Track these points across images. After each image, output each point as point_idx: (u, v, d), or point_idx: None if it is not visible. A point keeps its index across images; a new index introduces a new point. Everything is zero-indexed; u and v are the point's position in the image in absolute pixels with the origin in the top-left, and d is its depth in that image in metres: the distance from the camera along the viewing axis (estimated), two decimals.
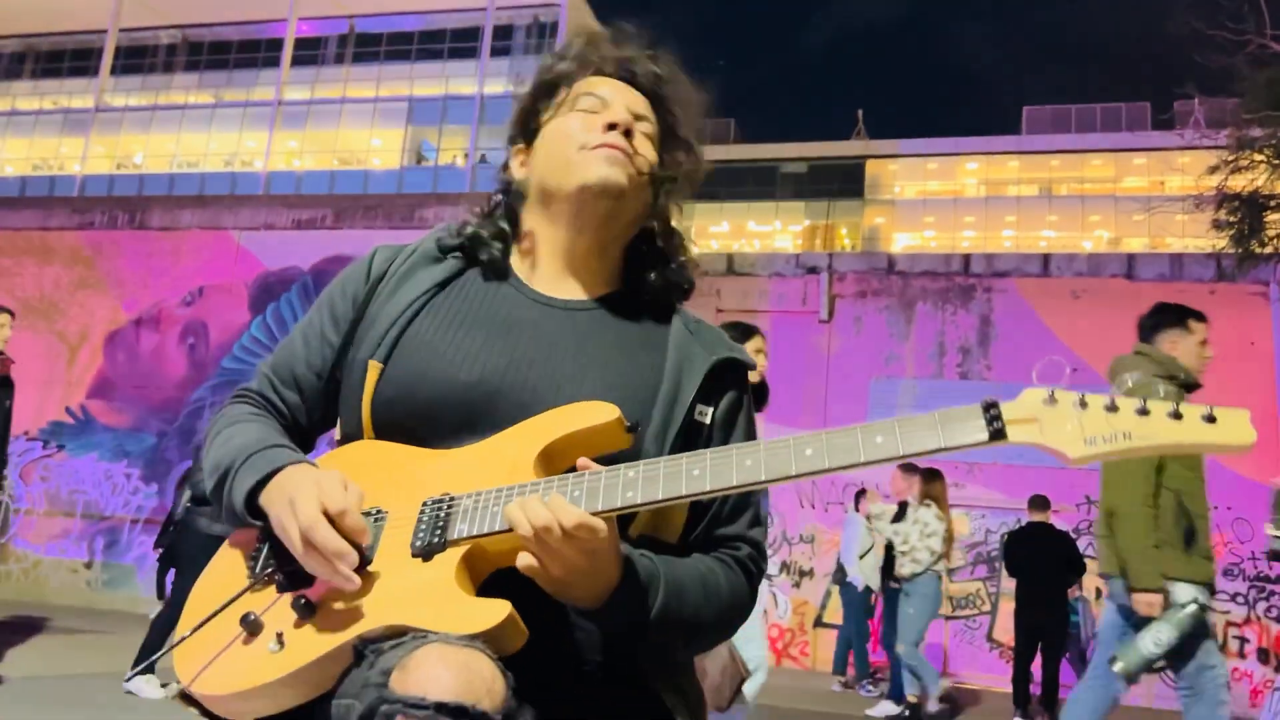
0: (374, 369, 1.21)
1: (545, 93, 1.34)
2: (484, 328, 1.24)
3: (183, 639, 1.09)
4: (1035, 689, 8.43)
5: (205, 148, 31.05)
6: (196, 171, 30.43)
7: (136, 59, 32.47)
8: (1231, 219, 9.56)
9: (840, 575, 9.71)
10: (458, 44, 29.12)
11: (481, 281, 1.30)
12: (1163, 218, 11.09)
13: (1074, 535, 11.17)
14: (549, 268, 1.30)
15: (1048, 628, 8.26)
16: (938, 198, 34.36)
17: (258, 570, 1.11)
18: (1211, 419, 0.95)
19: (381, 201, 15.28)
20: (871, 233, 34.56)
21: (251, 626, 1.05)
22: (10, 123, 32.56)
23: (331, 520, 1.03)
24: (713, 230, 35.38)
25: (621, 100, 1.30)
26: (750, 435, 1.31)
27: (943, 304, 13.06)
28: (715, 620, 1.18)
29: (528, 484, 1.06)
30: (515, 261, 1.33)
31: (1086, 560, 10.91)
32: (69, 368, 15.08)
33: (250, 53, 31.88)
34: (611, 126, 1.26)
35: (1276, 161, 9.27)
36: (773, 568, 12.53)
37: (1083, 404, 0.98)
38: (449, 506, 1.08)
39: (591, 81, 1.32)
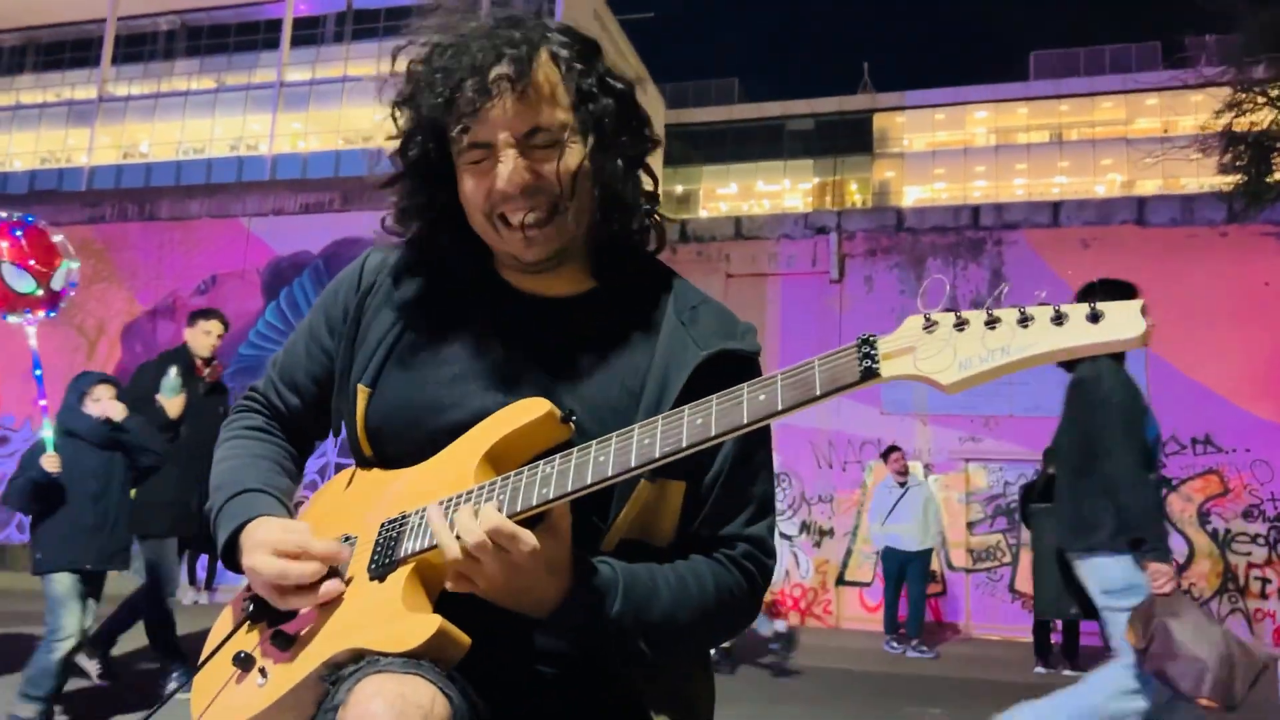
0: (363, 394, 1.23)
1: (428, 134, 1.19)
2: (468, 341, 1.23)
3: (191, 678, 1.21)
4: (1056, 638, 8.52)
5: (210, 133, 31.10)
6: (203, 158, 30.50)
7: (137, 47, 32.45)
8: (1239, 162, 9.45)
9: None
10: None
11: (465, 285, 1.27)
12: (1175, 157, 10.97)
13: None
14: (522, 270, 1.25)
15: (1066, 578, 8.29)
16: (947, 149, 34.06)
17: (247, 610, 1.19)
18: (1096, 317, 0.87)
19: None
20: (882, 187, 34.34)
21: (243, 664, 1.14)
22: (16, 117, 32.67)
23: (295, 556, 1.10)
24: (720, 192, 35.24)
25: (505, 130, 1.14)
26: (756, 436, 1.19)
27: (953, 259, 13.01)
28: (698, 622, 1.14)
29: (462, 493, 1.08)
30: (496, 257, 1.27)
31: None
32: (88, 360, 15.23)
33: (249, 35, 31.80)
34: (506, 197, 1.15)
35: None
36: (793, 528, 12.63)
37: (960, 325, 0.92)
38: (400, 526, 1.11)
39: (467, 127, 1.15)
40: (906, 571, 9.19)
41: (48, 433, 4.26)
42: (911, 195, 33.50)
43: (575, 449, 1.05)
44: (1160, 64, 27.51)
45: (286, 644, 1.11)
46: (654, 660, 1.14)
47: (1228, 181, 9.91)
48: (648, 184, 1.26)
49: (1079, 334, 0.88)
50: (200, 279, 14.73)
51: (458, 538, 1.02)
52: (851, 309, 13.08)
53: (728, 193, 35.39)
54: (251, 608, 1.18)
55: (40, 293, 4.47)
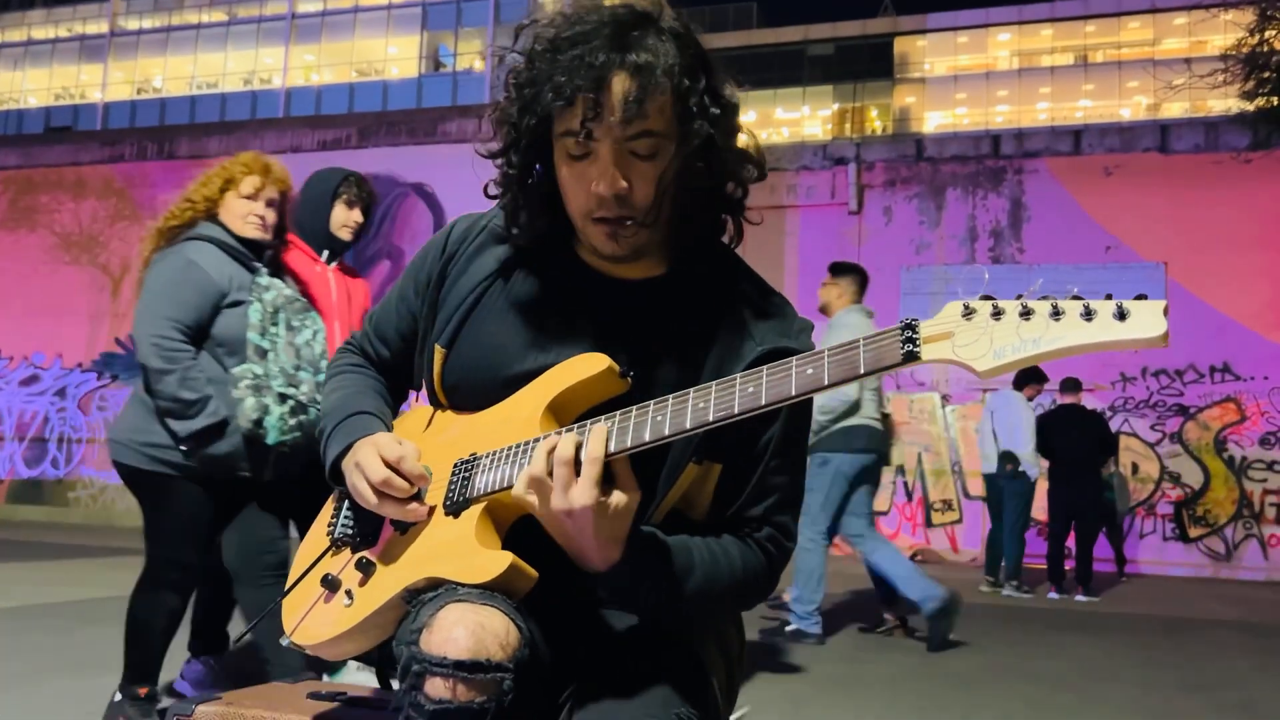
0: (439, 354, 1.34)
1: (534, 123, 1.23)
2: (539, 310, 1.31)
3: (283, 596, 1.33)
4: (1070, 564, 8.68)
5: (223, 67, 30.88)
6: (217, 92, 30.34)
7: None
8: (1263, 89, 9.26)
9: (1003, 465, 8.21)
10: None
11: (542, 259, 1.34)
12: (1199, 85, 10.78)
13: (1108, 414, 11.27)
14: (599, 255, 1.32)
15: (1081, 506, 8.43)
16: (969, 73, 33.36)
17: (335, 534, 1.32)
18: (1123, 315, 0.93)
19: (403, 117, 15.24)
20: (902, 113, 33.80)
21: (330, 585, 1.27)
22: (28, 53, 32.51)
23: (393, 467, 1.23)
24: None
25: (607, 134, 1.18)
26: (795, 430, 1.28)
27: (973, 188, 12.90)
28: (723, 596, 1.25)
29: (530, 440, 1.18)
30: (577, 235, 1.33)
31: (1120, 436, 11.04)
32: (114, 299, 15.44)
33: None
34: (601, 200, 1.21)
35: None
36: None
37: (997, 314, 0.97)
38: (472, 466, 1.23)
39: (573, 113, 1.18)
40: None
41: None
42: (933, 121, 32.98)
43: (634, 408, 1.13)
44: None
45: (370, 570, 1.23)
46: (682, 622, 1.26)
47: (1252, 106, 9.73)
48: (736, 193, 1.35)
49: (1106, 330, 0.93)
50: None
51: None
52: (870, 241, 13.04)
53: (746, 120, 34.85)
54: (339, 526, 1.31)
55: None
